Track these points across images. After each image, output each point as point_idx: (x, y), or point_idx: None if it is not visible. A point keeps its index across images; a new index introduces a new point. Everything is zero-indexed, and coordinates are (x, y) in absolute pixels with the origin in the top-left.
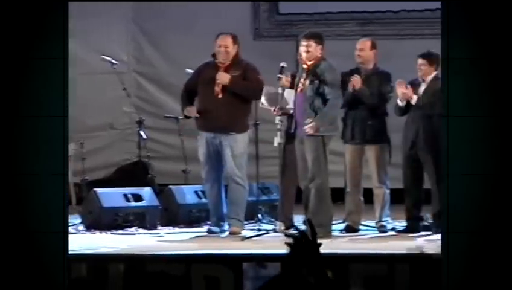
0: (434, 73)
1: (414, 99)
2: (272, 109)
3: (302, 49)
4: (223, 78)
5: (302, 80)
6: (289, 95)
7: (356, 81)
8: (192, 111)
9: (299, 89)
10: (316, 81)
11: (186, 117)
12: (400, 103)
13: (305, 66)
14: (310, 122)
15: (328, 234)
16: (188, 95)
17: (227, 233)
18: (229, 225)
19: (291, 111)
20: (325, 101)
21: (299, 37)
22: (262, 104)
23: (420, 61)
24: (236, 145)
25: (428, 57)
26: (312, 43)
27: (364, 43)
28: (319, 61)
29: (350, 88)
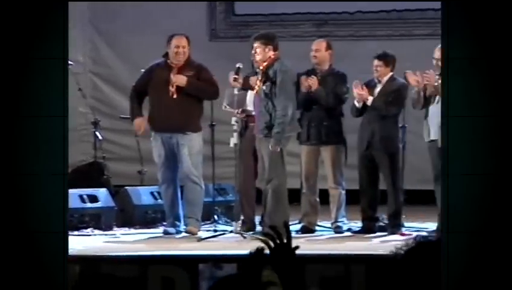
0: (390, 74)
1: (370, 100)
2: (235, 111)
3: (253, 51)
4: (180, 79)
5: (257, 81)
6: (251, 96)
7: (313, 82)
8: (140, 124)
9: (254, 91)
10: (268, 83)
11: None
12: (357, 104)
13: (261, 67)
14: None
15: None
16: (138, 96)
17: (183, 234)
18: (185, 225)
19: (253, 113)
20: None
21: (250, 39)
22: (225, 106)
23: (376, 62)
24: (193, 145)
25: (384, 58)
26: (260, 44)
27: (319, 44)
28: (272, 62)
29: (304, 89)
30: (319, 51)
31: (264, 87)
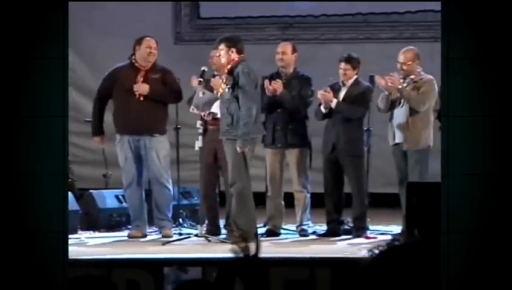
0: (354, 77)
1: (334, 103)
2: (202, 114)
3: (217, 54)
4: (142, 88)
5: (221, 84)
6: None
7: (278, 86)
8: (100, 143)
9: (219, 94)
10: (231, 85)
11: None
12: (324, 110)
13: (225, 70)
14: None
15: (250, 238)
16: (102, 102)
17: (148, 237)
18: (160, 227)
19: (218, 115)
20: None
21: (215, 42)
22: (193, 109)
23: (343, 65)
24: (161, 147)
25: (351, 61)
26: (224, 47)
27: (285, 47)
28: (236, 64)
29: (269, 93)
30: (286, 53)
31: (227, 90)
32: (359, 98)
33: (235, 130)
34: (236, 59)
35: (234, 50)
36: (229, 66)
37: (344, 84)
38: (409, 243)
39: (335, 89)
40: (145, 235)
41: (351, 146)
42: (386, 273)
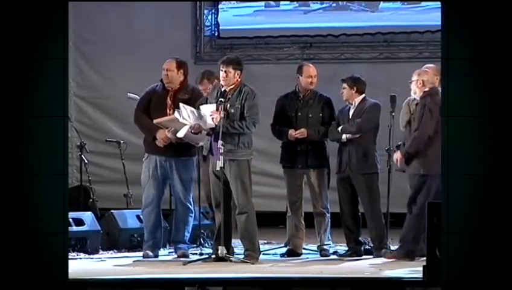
0: (361, 96)
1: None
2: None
3: (221, 74)
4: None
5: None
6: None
7: (302, 134)
8: (166, 137)
9: (222, 114)
10: (238, 106)
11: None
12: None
13: (226, 90)
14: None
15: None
16: (144, 112)
17: (167, 257)
18: (176, 248)
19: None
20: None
21: (218, 62)
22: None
23: (343, 85)
24: (187, 169)
25: (348, 80)
26: (231, 68)
27: (315, 70)
28: (238, 85)
29: (292, 139)
30: (316, 76)
31: (233, 110)
32: (364, 114)
33: (240, 149)
34: (239, 80)
35: (239, 72)
36: (232, 86)
37: (351, 104)
38: None
39: (344, 111)
40: (156, 256)
41: (362, 163)
42: None
